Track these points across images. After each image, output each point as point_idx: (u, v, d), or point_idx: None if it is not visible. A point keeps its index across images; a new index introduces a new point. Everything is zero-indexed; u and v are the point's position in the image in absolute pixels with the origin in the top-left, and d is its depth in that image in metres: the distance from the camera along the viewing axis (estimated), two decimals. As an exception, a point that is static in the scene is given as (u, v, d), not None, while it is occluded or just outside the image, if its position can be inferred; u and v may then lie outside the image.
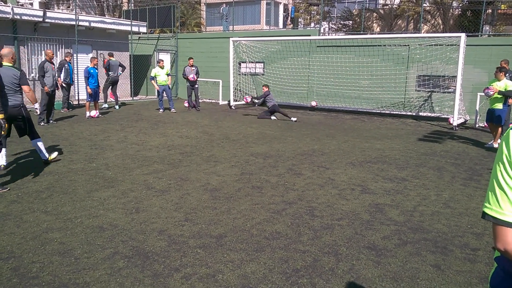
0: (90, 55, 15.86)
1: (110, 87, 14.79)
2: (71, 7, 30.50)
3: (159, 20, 20.03)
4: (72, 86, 13.57)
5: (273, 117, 12.92)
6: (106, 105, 14.74)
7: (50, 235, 4.05)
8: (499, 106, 8.93)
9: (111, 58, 14.91)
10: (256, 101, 13.20)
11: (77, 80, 14.70)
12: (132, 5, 25.80)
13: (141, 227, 4.32)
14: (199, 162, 7.18)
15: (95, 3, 30.89)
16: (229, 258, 3.65)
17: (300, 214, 4.79)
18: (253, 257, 3.69)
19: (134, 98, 17.96)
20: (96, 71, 12.25)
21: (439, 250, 3.91)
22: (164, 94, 14.15)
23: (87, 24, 15.90)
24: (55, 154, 6.97)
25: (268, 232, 4.24)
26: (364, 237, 4.17)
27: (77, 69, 14.93)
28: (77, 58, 15.14)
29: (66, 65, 12.66)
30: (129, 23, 17.69)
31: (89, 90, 12.01)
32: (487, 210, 1.35)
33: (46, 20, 14.51)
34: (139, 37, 19.75)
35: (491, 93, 8.75)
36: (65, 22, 15.19)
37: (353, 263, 3.62)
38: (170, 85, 14.38)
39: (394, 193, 5.65)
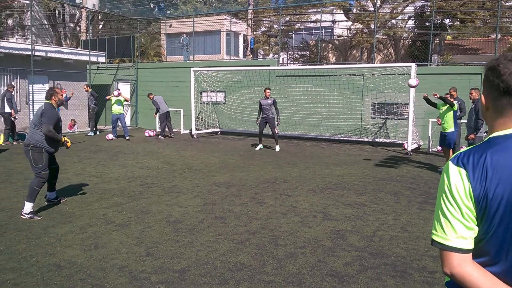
0: (47, 85, 15.50)
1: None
2: (25, 36, 29.78)
3: (119, 50, 19.95)
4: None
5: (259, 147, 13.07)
6: (92, 133, 16.16)
7: (3, 276, 3.85)
8: (451, 129, 9.28)
9: (89, 89, 16.21)
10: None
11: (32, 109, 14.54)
12: (91, 35, 25.57)
13: (101, 264, 4.18)
14: (160, 194, 7.08)
15: (51, 31, 30.35)
16: (192, 292, 3.60)
17: (264, 243, 4.81)
18: (217, 290, 3.65)
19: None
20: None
21: (399, 274, 4.02)
22: (119, 123, 14.80)
23: (43, 54, 15.57)
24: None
25: (232, 264, 4.22)
26: (326, 264, 4.24)
27: (33, 100, 14.97)
28: (32, 89, 15.03)
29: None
30: (88, 53, 17.49)
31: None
32: (434, 237, 1.45)
33: (0, 50, 14.12)
34: (98, 67, 19.52)
35: (415, 82, 10.39)
36: (20, 52, 14.82)
37: (316, 291, 3.66)
38: (125, 114, 15.28)
39: (354, 219, 5.79)
